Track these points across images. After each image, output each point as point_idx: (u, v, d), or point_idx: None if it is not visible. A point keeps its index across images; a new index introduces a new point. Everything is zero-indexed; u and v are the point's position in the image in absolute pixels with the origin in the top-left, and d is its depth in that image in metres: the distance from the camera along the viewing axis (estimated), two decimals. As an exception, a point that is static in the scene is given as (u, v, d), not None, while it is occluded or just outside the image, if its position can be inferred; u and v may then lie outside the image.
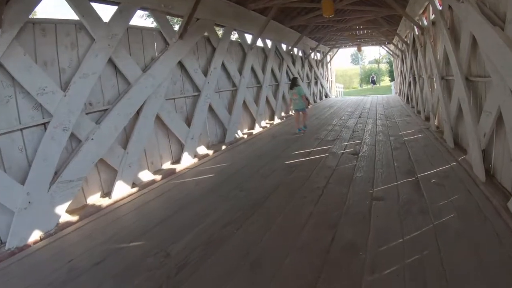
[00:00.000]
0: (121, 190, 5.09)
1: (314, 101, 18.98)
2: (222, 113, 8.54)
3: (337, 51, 23.90)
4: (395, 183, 4.56)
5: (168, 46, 6.47)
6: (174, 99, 6.82)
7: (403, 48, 15.45)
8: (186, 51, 6.77)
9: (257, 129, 10.51)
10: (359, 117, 11.65)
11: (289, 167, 5.85)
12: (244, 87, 9.76)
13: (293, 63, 15.45)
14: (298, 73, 16.02)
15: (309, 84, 18.17)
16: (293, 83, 9.50)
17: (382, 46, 23.41)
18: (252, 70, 10.74)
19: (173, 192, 5.03)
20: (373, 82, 35.85)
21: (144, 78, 5.61)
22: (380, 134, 8.18)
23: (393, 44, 17.14)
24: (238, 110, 9.36)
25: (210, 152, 7.62)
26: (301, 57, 17.11)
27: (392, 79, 30.82)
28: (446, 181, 4.49)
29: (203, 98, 7.49)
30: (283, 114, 13.61)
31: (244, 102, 9.95)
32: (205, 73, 7.72)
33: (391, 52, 22.51)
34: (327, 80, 23.08)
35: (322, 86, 20.97)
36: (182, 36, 6.49)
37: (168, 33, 6.45)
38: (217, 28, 9.14)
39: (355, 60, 60.42)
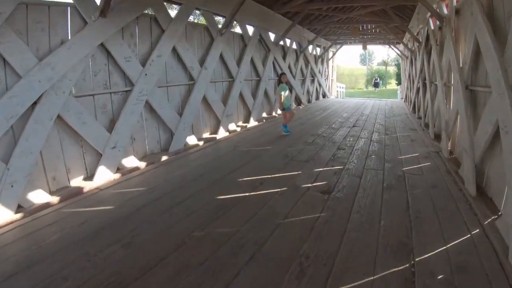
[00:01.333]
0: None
1: (308, 101, 16.82)
2: (168, 114, 6.59)
3: (340, 47, 21.59)
4: (370, 278, 2.46)
5: (85, 27, 4.78)
6: (93, 95, 5.14)
7: (413, 48, 13.19)
8: (111, 33, 5.13)
9: (222, 134, 8.50)
10: (353, 126, 9.51)
11: (215, 209, 3.82)
12: (205, 81, 7.79)
13: (284, 56, 13.25)
14: (290, 68, 13.86)
15: (303, 82, 15.99)
16: (279, 80, 8.52)
17: (391, 46, 21.07)
18: (222, 60, 8.76)
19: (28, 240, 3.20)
20: (376, 85, 32.92)
21: (38, 69, 4.19)
22: (373, 157, 6.08)
23: (403, 43, 14.84)
24: (192, 110, 7.38)
25: (143, 164, 5.75)
26: (295, 50, 14.90)
27: (399, 83, 28.48)
28: (466, 277, 2.44)
29: (135, 95, 5.68)
30: (264, 115, 11.46)
31: (206, 100, 7.98)
32: (143, 61, 5.93)
33: (399, 53, 20.18)
34: (327, 78, 20.84)
35: (319, 85, 18.75)
36: (105, 13, 4.77)
37: (87, 10, 4.80)
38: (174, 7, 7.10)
39: (365, 60, 58.19)
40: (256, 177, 4.92)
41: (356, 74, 46.69)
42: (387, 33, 16.05)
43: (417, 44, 11.19)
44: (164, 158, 6.18)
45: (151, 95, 6.02)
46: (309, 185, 4.58)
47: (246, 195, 4.24)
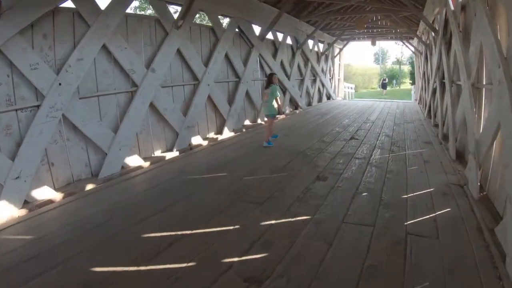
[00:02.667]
0: None
1: (309, 104, 14.82)
2: (96, 131, 5.14)
3: (346, 43, 19.40)
4: None
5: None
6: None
7: (428, 41, 11.02)
8: (9, 36, 4.01)
9: (179, 149, 6.81)
10: (351, 138, 7.55)
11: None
12: (153, 86, 6.18)
13: (274, 53, 11.31)
14: (284, 67, 11.94)
15: (301, 82, 13.98)
16: (269, 80, 7.04)
17: (403, 41, 18.78)
18: (182, 59, 7.11)
19: None
20: (384, 86, 29.38)
21: None
22: (364, 195, 4.15)
23: (417, 36, 12.61)
24: (133, 124, 5.82)
25: (58, 196, 4.41)
26: (290, 46, 12.92)
27: (414, 83, 25.96)
28: None
29: (45, 110, 4.45)
30: (248, 122, 9.57)
31: (157, 110, 6.37)
32: (60, 67, 4.69)
33: (413, 49, 17.87)
34: (332, 77, 18.71)
35: (322, 85, 16.67)
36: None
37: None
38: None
39: (379, 59, 55.60)
40: (169, 233, 3.20)
41: (369, 74, 44.34)
42: (398, 25, 13.86)
43: (433, 35, 9.05)
44: (89, 186, 4.78)
45: (69, 109, 4.71)
46: (236, 259, 2.68)
47: (131, 270, 2.56)
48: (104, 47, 5.24)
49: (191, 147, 7.19)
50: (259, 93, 10.25)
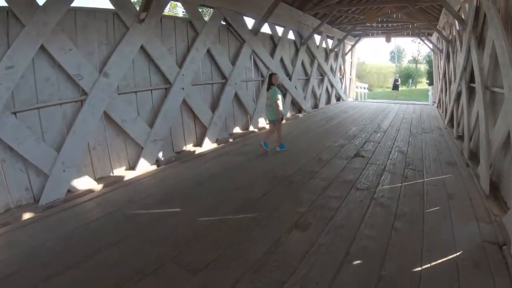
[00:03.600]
0: None
1: (315, 106, 13.42)
2: (33, 150, 4.25)
3: (358, 39, 17.72)
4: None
5: None
6: None
7: (450, 36, 9.44)
8: None
9: (144, 168, 5.69)
10: (355, 156, 6.16)
11: None
12: (105, 93, 5.08)
13: (273, 49, 9.95)
14: (284, 65, 10.61)
15: (306, 82, 12.55)
16: (269, 82, 6.36)
17: (421, 38, 17.04)
18: (149, 59, 5.95)
19: None
20: (396, 87, 25.82)
21: None
22: (356, 266, 2.77)
23: (437, 30, 10.97)
24: (81, 139, 4.80)
25: None
26: (293, 42, 11.50)
27: (431, 83, 24.01)
28: None
29: None
30: (237, 130, 8.29)
31: (113, 121, 5.28)
32: None
33: (431, 47, 16.13)
34: (343, 77, 17.15)
35: (331, 85, 15.17)
36: None
37: None
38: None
39: (395, 58, 53.57)
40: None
41: (384, 72, 42.36)
42: (415, 19, 12.23)
43: (457, 28, 7.51)
44: (27, 215, 3.92)
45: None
46: None
47: None
48: (44, 49, 4.30)
49: (158, 164, 5.91)
50: (252, 96, 8.96)
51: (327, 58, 14.76)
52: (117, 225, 3.52)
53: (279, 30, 10.38)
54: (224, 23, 7.76)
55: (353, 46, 17.65)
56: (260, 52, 8.97)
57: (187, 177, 5.12)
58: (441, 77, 12.61)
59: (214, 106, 7.47)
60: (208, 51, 7.17)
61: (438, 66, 14.59)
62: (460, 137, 7.37)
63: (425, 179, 4.74)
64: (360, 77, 43.54)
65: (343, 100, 16.67)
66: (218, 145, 7.29)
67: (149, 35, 5.71)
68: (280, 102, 6.32)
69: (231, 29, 7.97)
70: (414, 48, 59.05)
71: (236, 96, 8.20)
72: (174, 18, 6.76)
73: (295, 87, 11.33)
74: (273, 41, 10.09)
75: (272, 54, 9.83)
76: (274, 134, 6.66)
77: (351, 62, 18.80)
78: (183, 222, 3.54)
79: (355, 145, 6.91)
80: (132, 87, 5.65)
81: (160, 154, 6.06)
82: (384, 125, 9.50)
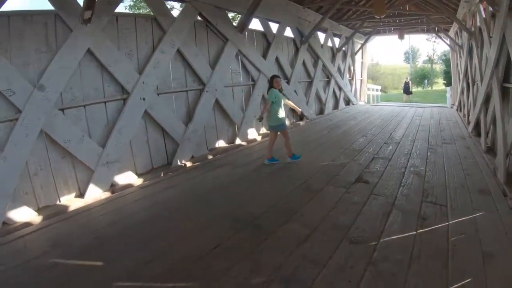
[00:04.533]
0: None
1: (320, 112, 12.07)
2: None
3: (368, 37, 16.22)
4: None
5: None
6: None
7: (473, 28, 7.99)
8: None
9: (94, 195, 4.65)
10: (357, 181, 4.78)
11: None
12: (41, 110, 4.11)
13: (266, 49, 8.69)
14: (281, 66, 9.45)
15: (309, 86, 11.21)
16: (270, 85, 5.76)
17: (437, 34, 15.43)
18: (100, 66, 4.90)
19: None
20: (407, 91, 21.81)
21: None
22: None
23: (456, 19, 9.44)
24: (13, 166, 3.88)
25: None
26: (292, 40, 10.21)
27: (448, 83, 22.11)
28: None
29: None
30: (221, 144, 7.10)
31: (55, 142, 4.35)
32: None
33: (448, 43, 14.49)
34: (352, 78, 15.70)
35: (339, 88, 13.77)
36: None
37: None
38: None
39: (412, 58, 51.77)
40: None
41: (398, 73, 40.39)
42: (430, 10, 10.77)
43: (485, 15, 6.10)
44: None
45: None
46: None
47: None
48: None
49: (113, 190, 4.77)
50: (241, 103, 7.74)
51: (333, 58, 13.41)
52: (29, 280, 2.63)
53: (274, 27, 9.11)
54: (200, 18, 6.55)
55: (363, 44, 16.19)
56: (248, 52, 7.73)
57: (131, 213, 3.97)
58: (461, 77, 11.07)
59: (187, 118, 6.26)
60: (180, 53, 5.97)
61: (457, 65, 12.99)
62: (490, 150, 5.97)
63: (450, 221, 3.37)
64: (374, 78, 41.89)
65: (353, 104, 15.23)
66: (193, 164, 6.06)
67: (97, 37, 4.64)
68: (279, 107, 5.65)
69: (210, 26, 6.76)
70: (429, 47, 57.02)
71: (219, 105, 6.98)
72: (135, 16, 5.60)
73: (295, 91, 10.02)
74: (267, 40, 8.82)
75: (265, 54, 8.56)
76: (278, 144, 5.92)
77: (362, 63, 17.35)
78: (95, 286, 2.35)
79: (359, 164, 5.55)
80: (80, 100, 4.62)
81: (118, 178, 4.88)
82: (397, 134, 8.08)
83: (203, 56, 6.59)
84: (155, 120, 5.61)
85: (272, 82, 5.67)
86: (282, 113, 5.68)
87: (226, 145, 7.31)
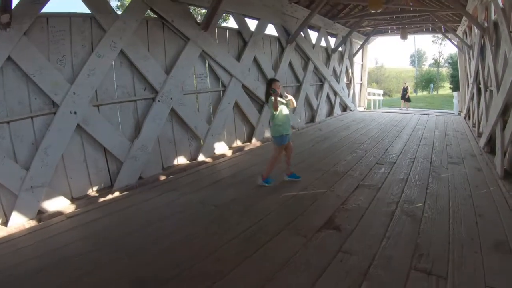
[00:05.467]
0: None
1: (311, 120, 10.81)
2: None
3: (368, 37, 14.87)
4: None
5: None
6: None
7: (485, 24, 6.68)
8: None
9: (17, 224, 3.82)
10: (326, 226, 3.49)
11: None
12: None
13: (241, 49, 7.50)
14: (261, 69, 8.26)
15: (297, 90, 9.98)
16: (267, 91, 4.66)
17: (444, 34, 14.04)
18: (24, 76, 4.03)
19: None
20: (405, 97, 17.88)
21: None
22: None
23: (467, 14, 8.10)
24: None
25: None
26: (277, 39, 8.98)
27: (455, 87, 20.61)
28: None
29: None
30: (180, 161, 5.99)
31: None
32: None
33: (455, 43, 13.06)
34: (350, 82, 14.39)
35: (334, 93, 12.49)
36: None
37: None
38: None
39: (418, 61, 50.64)
40: None
41: (404, 77, 39.62)
42: (435, 7, 9.47)
43: (503, 4, 4.82)
44: None
45: None
46: None
47: None
48: None
49: (40, 218, 3.87)
50: (207, 112, 6.59)
51: (328, 60, 12.12)
52: None
53: (252, 24, 7.89)
54: (154, 15, 5.42)
55: (362, 45, 14.87)
56: (216, 53, 6.54)
57: (31, 256, 3.03)
58: (470, 81, 9.71)
59: (134, 132, 5.11)
60: (125, 56, 4.83)
61: (466, 67, 11.62)
62: (509, 175, 4.68)
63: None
64: (378, 82, 40.65)
65: (350, 110, 13.92)
66: (138, 187, 4.91)
67: (20, 43, 3.71)
68: (284, 116, 4.66)
69: (166, 23, 5.58)
70: (435, 50, 55.89)
71: (177, 115, 5.80)
72: (70, 16, 4.45)
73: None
74: (243, 39, 7.59)
75: (240, 55, 7.34)
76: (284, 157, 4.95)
77: (362, 65, 16.04)
78: None
79: (337, 197, 4.29)
80: (3, 116, 3.74)
81: (47, 204, 3.91)
82: (394, 150, 6.80)
83: (155, 59, 5.43)
84: (92, 137, 4.49)
85: (269, 88, 4.61)
86: (287, 123, 4.68)
87: (187, 162, 6.12)
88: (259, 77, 8.17)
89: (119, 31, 4.78)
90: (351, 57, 14.31)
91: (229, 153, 6.87)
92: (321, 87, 11.55)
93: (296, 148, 6.97)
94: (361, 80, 15.97)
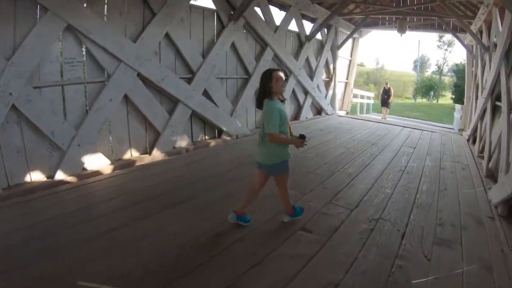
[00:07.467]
0: None
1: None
2: None
3: (357, 27, 11.88)
4: None
5: None
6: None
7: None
8: None
9: None
10: None
11: None
12: None
13: (145, 24, 5.03)
14: (179, 51, 5.72)
15: (243, 85, 7.23)
16: (262, 90, 3.08)
17: (454, 34, 11.16)
18: None
19: None
20: (386, 102, 13.85)
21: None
22: None
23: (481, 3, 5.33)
24: None
25: None
26: (215, 14, 6.22)
27: (458, 99, 17.85)
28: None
29: None
30: (34, 177, 3.21)
31: None
32: None
33: (466, 42, 10.20)
34: (331, 79, 11.56)
35: (305, 92, 9.74)
36: None
37: None
38: None
39: (420, 67, 48.60)
40: None
41: (404, 81, 38.21)
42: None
43: None
44: None
45: None
46: None
47: None
48: None
49: None
50: (79, 112, 4.59)
51: (300, 49, 9.32)
52: None
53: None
54: None
55: (350, 35, 11.95)
56: (91, 27, 3.97)
57: None
58: (483, 94, 6.95)
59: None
60: None
61: (477, 76, 8.81)
62: None
63: None
64: (377, 83, 38.09)
65: (327, 114, 11.14)
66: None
67: None
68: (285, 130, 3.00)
69: None
70: (440, 56, 53.83)
71: (24, 116, 3.25)
72: None
73: (207, 93, 6.09)
74: (150, 8, 4.86)
75: (138, 32, 4.63)
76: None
77: (350, 61, 13.19)
78: None
79: None
80: None
81: None
82: (346, 199, 4.10)
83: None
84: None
85: (268, 83, 2.99)
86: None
87: (44, 179, 3.55)
88: (176, 63, 5.48)
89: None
90: (335, 49, 11.47)
91: (108, 169, 4.32)
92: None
93: (204, 173, 4.26)
94: (346, 79, 13.15)
